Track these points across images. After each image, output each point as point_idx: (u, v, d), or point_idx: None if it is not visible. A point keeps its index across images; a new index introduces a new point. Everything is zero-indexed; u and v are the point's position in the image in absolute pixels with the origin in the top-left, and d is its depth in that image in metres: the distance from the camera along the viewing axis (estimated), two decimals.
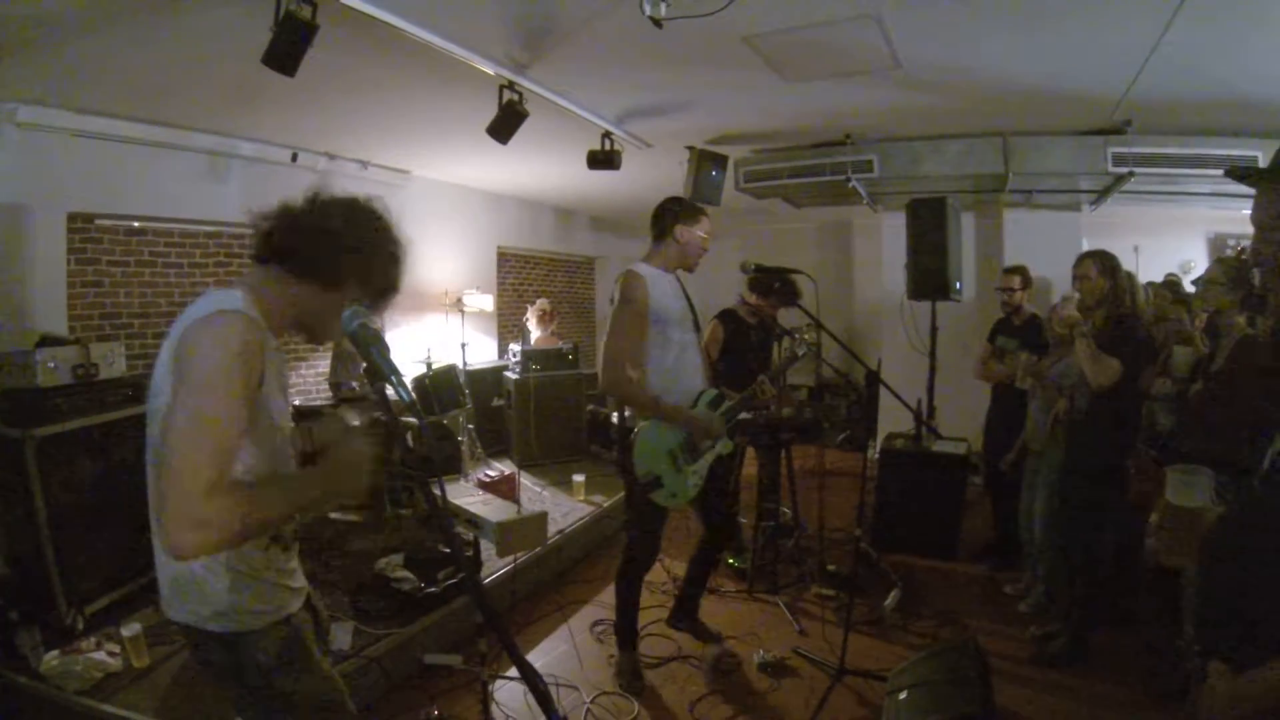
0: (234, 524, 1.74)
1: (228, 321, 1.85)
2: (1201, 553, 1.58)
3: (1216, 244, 11.32)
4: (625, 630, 4.42)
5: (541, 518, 4.68)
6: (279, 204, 2.07)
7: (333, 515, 5.62)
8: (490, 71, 4.84)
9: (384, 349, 1.83)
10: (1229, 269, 4.24)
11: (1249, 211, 1.68)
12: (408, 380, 7.19)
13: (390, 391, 1.82)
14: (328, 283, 2.04)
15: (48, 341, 4.73)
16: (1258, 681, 1.37)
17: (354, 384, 6.73)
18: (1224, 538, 1.53)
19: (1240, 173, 1.66)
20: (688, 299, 4.23)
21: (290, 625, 2.16)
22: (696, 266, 4.22)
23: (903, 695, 3.74)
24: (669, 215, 4.13)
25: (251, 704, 2.18)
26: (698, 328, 4.30)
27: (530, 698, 4.08)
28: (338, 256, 2.03)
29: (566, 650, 4.66)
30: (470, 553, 4.92)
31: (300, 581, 2.26)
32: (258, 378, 1.89)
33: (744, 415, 4.47)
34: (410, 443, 6.84)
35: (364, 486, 1.96)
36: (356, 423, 2.23)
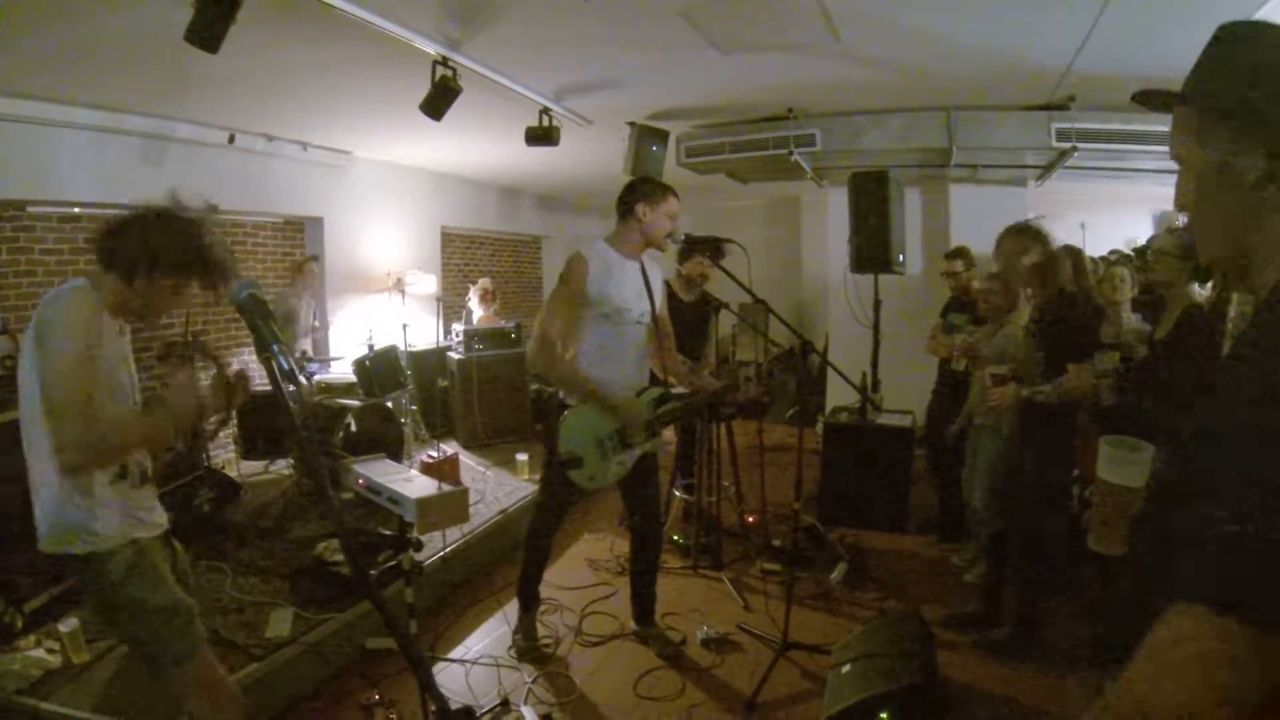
0: (104, 439, 2.40)
1: (67, 294, 2.48)
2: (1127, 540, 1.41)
3: (1163, 221, 11.45)
4: (523, 594, 4.49)
5: (463, 493, 4.62)
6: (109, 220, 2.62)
7: None
8: (424, 48, 4.75)
9: (269, 318, 1.93)
10: (1181, 241, 4.21)
11: None
12: (348, 362, 7.08)
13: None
14: (124, 278, 2.54)
15: None
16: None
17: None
18: (1142, 526, 1.34)
19: (1151, 97, 1.39)
20: (649, 288, 4.10)
21: (137, 546, 2.62)
22: (665, 247, 4.12)
23: (846, 668, 3.74)
24: (632, 194, 4.02)
25: (109, 615, 2.65)
26: (655, 319, 4.17)
27: (470, 679, 4.04)
28: (124, 257, 2.53)
29: (508, 631, 4.59)
30: (408, 534, 4.84)
31: (155, 517, 2.77)
32: (96, 335, 2.45)
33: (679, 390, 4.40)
34: (354, 425, 6.78)
35: (188, 423, 2.61)
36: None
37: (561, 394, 4.05)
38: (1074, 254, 5.29)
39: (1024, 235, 4.27)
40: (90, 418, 2.34)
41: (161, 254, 2.53)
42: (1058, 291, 4.19)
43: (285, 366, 1.76)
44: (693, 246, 5.13)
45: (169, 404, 2.55)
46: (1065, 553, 4.60)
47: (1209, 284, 4.99)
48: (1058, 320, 4.12)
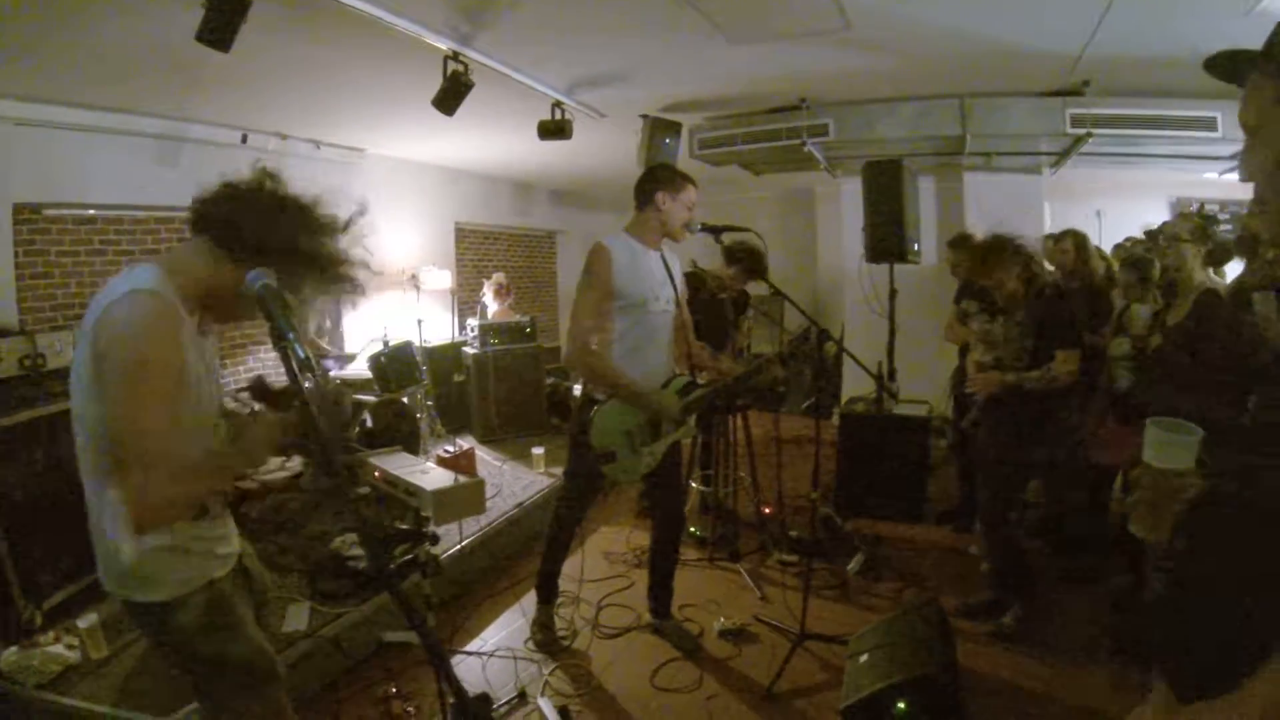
0: (188, 494, 1.98)
1: (139, 298, 1.93)
2: (1178, 534, 1.34)
3: (1179, 207, 11.33)
4: (542, 587, 4.49)
5: (479, 485, 4.61)
6: (226, 180, 2.21)
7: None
8: (435, 44, 4.75)
9: (285, 309, 1.85)
10: (1194, 224, 4.19)
11: (1210, 174, 1.37)
12: (362, 358, 7.08)
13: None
14: (241, 260, 2.05)
15: None
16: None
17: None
18: (1203, 523, 1.28)
19: (1227, 61, 1.29)
20: (671, 276, 4.08)
21: (214, 590, 2.25)
22: (682, 237, 4.07)
23: (863, 658, 3.73)
24: (651, 182, 4.00)
25: (186, 670, 2.29)
26: (679, 305, 4.16)
27: (487, 671, 4.04)
28: (269, 243, 2.09)
29: (525, 624, 4.60)
30: (425, 527, 4.85)
31: (229, 547, 2.38)
32: (179, 356, 2.00)
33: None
34: (369, 421, 6.79)
35: (272, 452, 2.15)
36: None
37: (591, 388, 4.03)
38: (1078, 239, 5.27)
39: (1007, 260, 4.25)
40: (174, 472, 1.89)
41: (312, 241, 2.20)
42: (1042, 287, 4.21)
43: (302, 356, 1.73)
44: (731, 255, 5.15)
45: (248, 450, 2.14)
46: (1085, 532, 4.60)
47: (1227, 264, 4.97)
48: (1045, 313, 4.15)
